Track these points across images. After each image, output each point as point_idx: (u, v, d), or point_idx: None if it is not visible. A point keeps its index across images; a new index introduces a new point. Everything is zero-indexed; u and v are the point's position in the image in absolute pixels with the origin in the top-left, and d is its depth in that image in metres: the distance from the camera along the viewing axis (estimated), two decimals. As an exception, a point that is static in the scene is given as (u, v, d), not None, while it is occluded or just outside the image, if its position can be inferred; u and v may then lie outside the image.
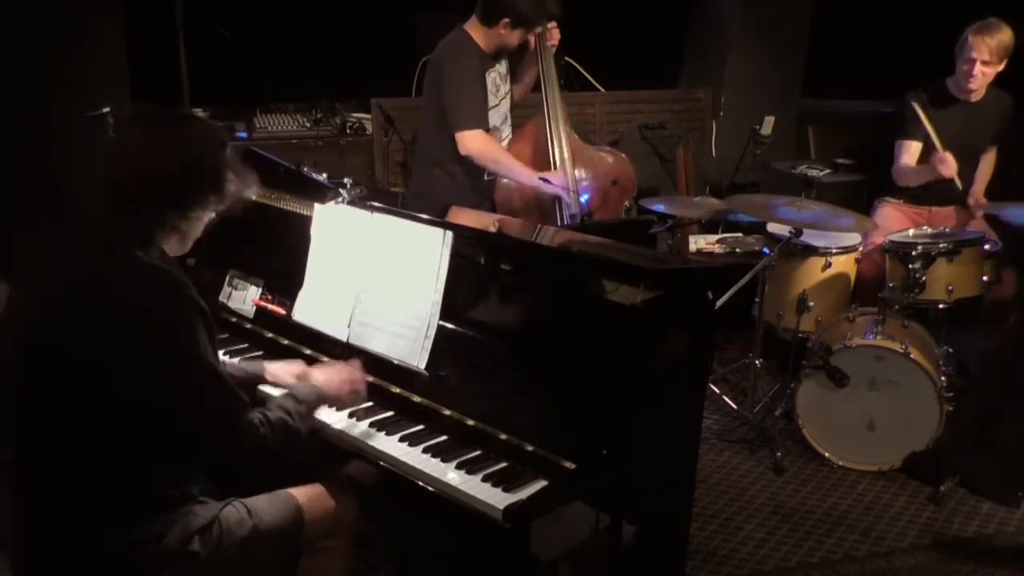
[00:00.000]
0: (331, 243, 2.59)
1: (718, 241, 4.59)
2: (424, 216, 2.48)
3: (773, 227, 4.09)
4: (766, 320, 3.98)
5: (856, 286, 4.10)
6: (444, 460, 2.15)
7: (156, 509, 1.90)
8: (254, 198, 2.90)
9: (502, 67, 3.86)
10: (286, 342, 2.66)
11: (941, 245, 3.71)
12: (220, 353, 2.58)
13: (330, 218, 2.61)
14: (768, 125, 5.44)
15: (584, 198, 3.86)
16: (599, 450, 2.03)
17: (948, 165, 4.05)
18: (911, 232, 3.94)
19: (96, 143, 4.35)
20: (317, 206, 2.63)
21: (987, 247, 3.81)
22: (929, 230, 3.95)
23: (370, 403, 2.41)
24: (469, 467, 2.12)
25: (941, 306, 3.78)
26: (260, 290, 2.79)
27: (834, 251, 3.97)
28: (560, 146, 3.86)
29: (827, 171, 5.24)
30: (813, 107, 6.13)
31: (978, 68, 4.01)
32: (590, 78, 5.48)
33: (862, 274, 4.11)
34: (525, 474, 2.08)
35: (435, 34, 3.86)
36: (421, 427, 2.30)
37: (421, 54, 4.37)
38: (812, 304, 3.94)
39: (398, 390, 2.40)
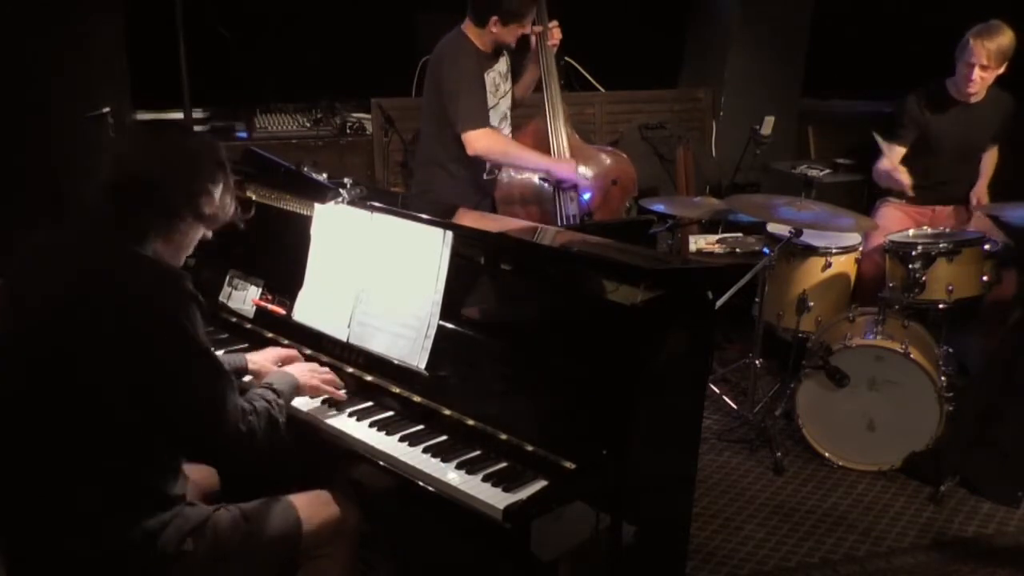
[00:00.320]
0: (331, 243, 2.59)
1: (718, 241, 4.59)
2: (424, 216, 2.48)
3: (773, 227, 4.10)
4: (766, 320, 3.98)
5: (856, 286, 4.11)
6: (444, 460, 2.15)
7: (149, 509, 1.90)
8: (254, 198, 2.94)
9: (502, 66, 3.86)
10: (286, 342, 2.66)
11: (941, 245, 3.71)
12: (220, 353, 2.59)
13: (330, 218, 2.61)
14: (768, 125, 5.44)
15: (585, 197, 3.86)
16: (599, 450, 2.03)
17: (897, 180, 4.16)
18: (911, 232, 3.94)
19: (96, 143, 4.36)
20: (317, 206, 2.63)
21: (987, 247, 3.81)
22: (929, 230, 3.95)
23: (370, 403, 2.42)
24: (469, 467, 2.12)
25: (941, 306, 3.78)
26: (260, 290, 2.79)
27: (834, 251, 3.97)
28: (561, 145, 3.87)
29: (827, 171, 5.23)
30: (813, 107, 6.13)
31: (977, 73, 4.01)
32: (590, 78, 5.48)
33: (862, 274, 4.11)
34: (525, 474, 2.08)
35: (435, 34, 3.86)
36: (421, 427, 2.30)
37: (421, 54, 4.37)
38: (812, 304, 3.94)
39: (398, 390, 2.40)
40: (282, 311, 2.69)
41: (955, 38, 4.09)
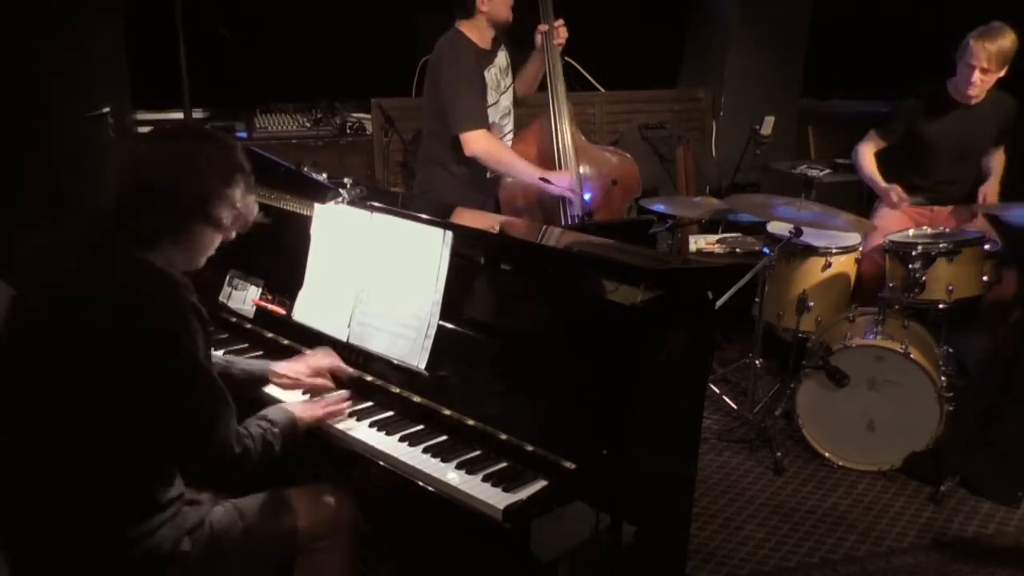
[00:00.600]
0: (331, 243, 2.59)
1: (718, 241, 4.59)
2: (424, 216, 2.48)
3: (773, 227, 4.10)
4: (766, 320, 3.98)
5: (856, 286, 4.11)
6: (444, 460, 2.15)
7: (148, 510, 1.90)
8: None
9: (502, 61, 3.86)
10: (286, 342, 2.66)
11: (941, 245, 3.71)
12: (220, 352, 2.59)
13: (330, 218, 2.61)
14: (768, 125, 5.44)
15: (587, 197, 3.86)
16: (599, 450, 2.03)
17: (895, 199, 4.19)
18: (911, 232, 3.94)
19: (96, 143, 4.36)
20: (317, 206, 2.63)
21: (987, 247, 3.81)
22: (929, 230, 3.95)
23: (370, 403, 2.42)
24: (469, 467, 2.12)
25: (941, 306, 3.78)
26: (260, 290, 2.79)
27: (834, 251, 3.97)
28: (564, 145, 3.87)
29: (827, 171, 5.24)
30: (813, 107, 6.13)
31: (977, 76, 3.99)
32: (590, 78, 5.48)
33: (862, 274, 4.11)
34: (525, 474, 2.08)
35: (435, 34, 3.87)
36: (421, 427, 2.30)
37: (421, 54, 4.38)
38: (812, 304, 3.94)
39: (398, 390, 2.40)
40: (282, 311, 2.69)
41: (955, 38, 4.08)
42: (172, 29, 4.41)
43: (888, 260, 3.83)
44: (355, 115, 5.32)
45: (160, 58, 4.54)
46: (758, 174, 5.58)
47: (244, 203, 2.01)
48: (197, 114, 4.89)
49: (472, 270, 2.40)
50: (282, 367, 2.41)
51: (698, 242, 4.63)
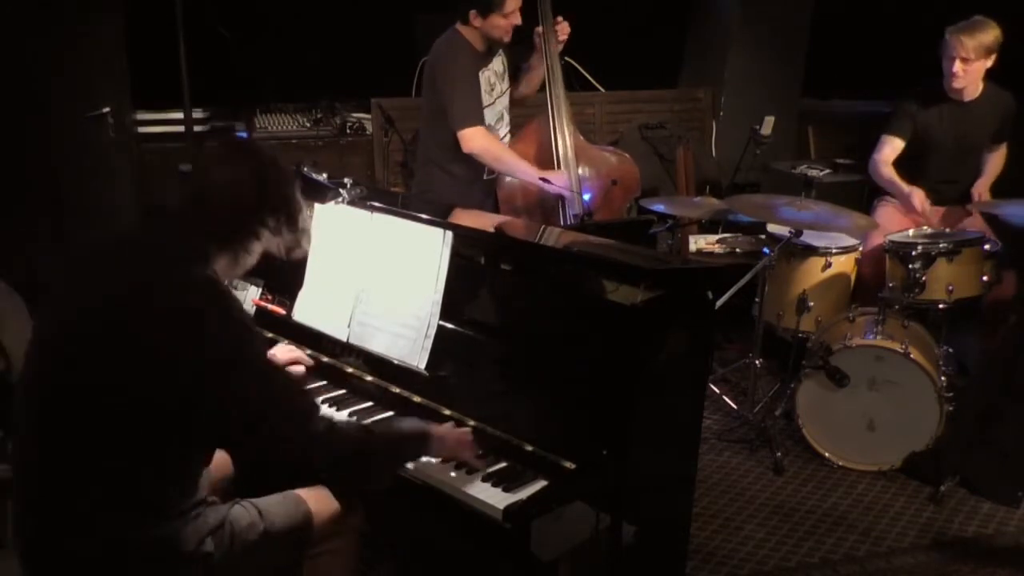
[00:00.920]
0: (331, 243, 2.59)
1: (718, 241, 4.59)
2: (424, 216, 2.49)
3: (773, 227, 4.09)
4: (766, 320, 3.98)
5: (856, 286, 4.10)
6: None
7: (173, 512, 1.89)
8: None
9: (497, 65, 3.86)
10: (286, 342, 2.66)
11: (941, 245, 3.71)
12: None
13: (330, 218, 2.61)
14: (768, 125, 5.44)
15: (587, 197, 3.86)
16: (599, 450, 2.03)
17: (918, 203, 4.13)
18: (911, 232, 3.94)
19: (96, 143, 4.36)
20: (317, 206, 2.63)
21: (987, 247, 3.80)
22: (929, 230, 3.94)
23: (370, 403, 2.42)
24: (469, 467, 2.12)
25: (941, 306, 3.78)
26: (260, 290, 2.79)
27: (834, 251, 3.97)
28: (564, 145, 3.86)
29: (827, 171, 5.22)
30: (813, 107, 6.13)
31: (958, 66, 3.99)
32: (590, 78, 5.47)
33: (862, 274, 4.11)
34: (525, 474, 2.08)
35: (435, 34, 3.87)
36: (421, 427, 2.29)
37: (421, 54, 4.37)
38: (812, 304, 3.94)
39: (398, 390, 2.40)
40: (282, 311, 2.69)
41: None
42: (172, 29, 4.40)
43: (888, 260, 3.83)
44: (355, 115, 5.32)
45: (160, 58, 4.54)
46: (758, 174, 5.58)
47: (302, 223, 2.06)
48: (197, 114, 4.88)
49: (472, 270, 2.41)
50: (275, 351, 2.48)
51: (698, 242, 4.63)
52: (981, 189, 4.24)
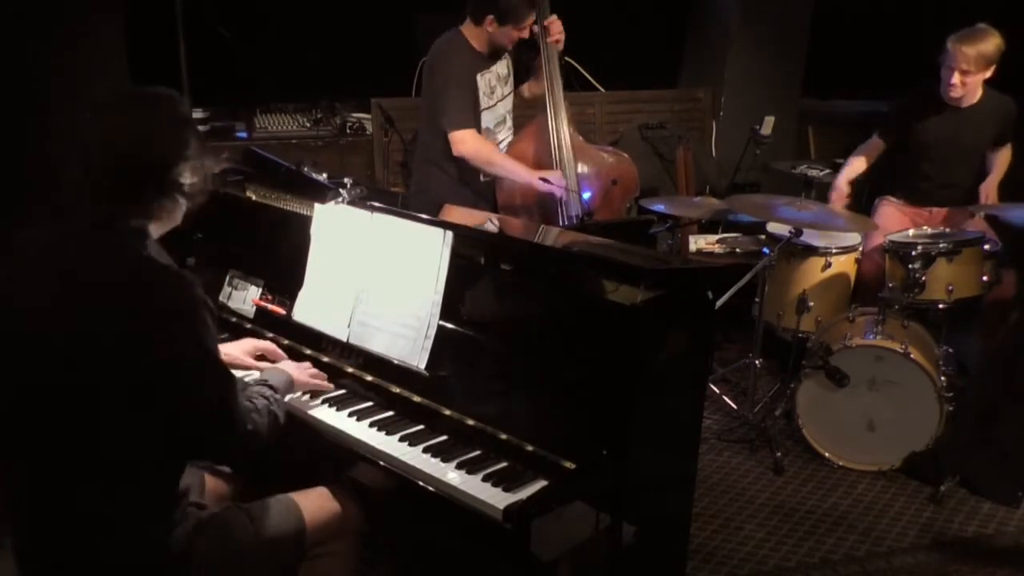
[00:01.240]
0: (331, 243, 2.59)
1: (718, 241, 4.59)
2: (424, 216, 2.48)
3: (773, 227, 4.10)
4: (766, 320, 3.98)
5: (856, 286, 4.11)
6: (444, 460, 2.15)
7: (159, 510, 1.89)
8: (254, 198, 2.94)
9: (501, 68, 3.85)
10: (286, 342, 2.66)
11: (941, 245, 3.71)
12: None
13: (330, 218, 2.61)
14: (768, 125, 5.45)
15: (586, 196, 3.86)
16: (599, 450, 2.03)
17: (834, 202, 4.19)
18: (911, 232, 3.94)
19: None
20: (317, 206, 2.63)
21: (987, 247, 3.80)
22: (929, 230, 3.95)
23: (370, 403, 2.42)
24: (469, 467, 2.12)
25: (941, 306, 3.78)
26: (260, 290, 2.79)
27: (834, 251, 3.97)
28: (562, 145, 3.86)
29: (827, 171, 5.24)
30: (813, 107, 6.13)
31: (956, 77, 3.97)
32: (590, 78, 5.48)
33: (862, 274, 4.11)
34: (525, 474, 2.08)
35: (435, 34, 3.87)
36: (421, 427, 2.29)
37: (421, 54, 4.37)
38: (812, 304, 3.94)
39: (398, 390, 2.40)
40: (282, 311, 2.69)
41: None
42: (172, 29, 4.41)
43: (888, 260, 3.83)
44: (355, 115, 5.32)
45: (160, 58, 4.54)
46: (758, 174, 5.58)
47: (202, 161, 1.97)
48: (197, 114, 4.89)
49: (472, 270, 2.40)
50: (230, 348, 2.46)
51: (698, 242, 4.63)
52: (988, 189, 4.21)
